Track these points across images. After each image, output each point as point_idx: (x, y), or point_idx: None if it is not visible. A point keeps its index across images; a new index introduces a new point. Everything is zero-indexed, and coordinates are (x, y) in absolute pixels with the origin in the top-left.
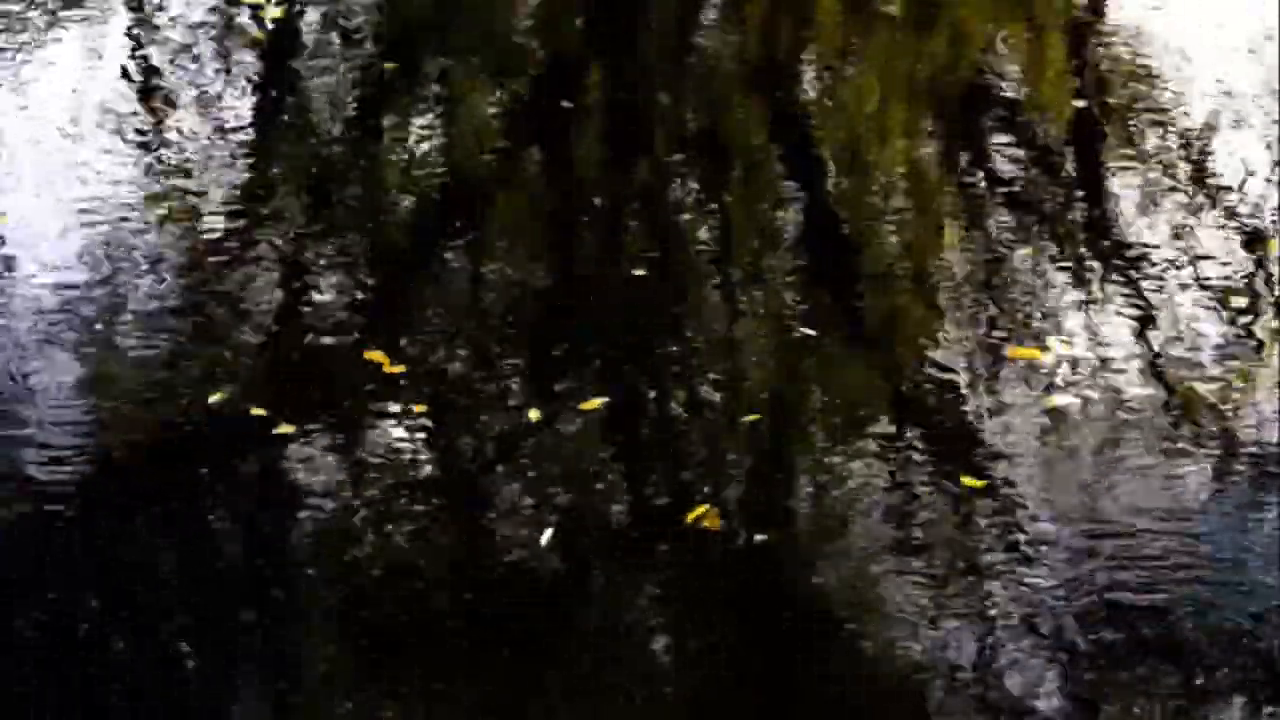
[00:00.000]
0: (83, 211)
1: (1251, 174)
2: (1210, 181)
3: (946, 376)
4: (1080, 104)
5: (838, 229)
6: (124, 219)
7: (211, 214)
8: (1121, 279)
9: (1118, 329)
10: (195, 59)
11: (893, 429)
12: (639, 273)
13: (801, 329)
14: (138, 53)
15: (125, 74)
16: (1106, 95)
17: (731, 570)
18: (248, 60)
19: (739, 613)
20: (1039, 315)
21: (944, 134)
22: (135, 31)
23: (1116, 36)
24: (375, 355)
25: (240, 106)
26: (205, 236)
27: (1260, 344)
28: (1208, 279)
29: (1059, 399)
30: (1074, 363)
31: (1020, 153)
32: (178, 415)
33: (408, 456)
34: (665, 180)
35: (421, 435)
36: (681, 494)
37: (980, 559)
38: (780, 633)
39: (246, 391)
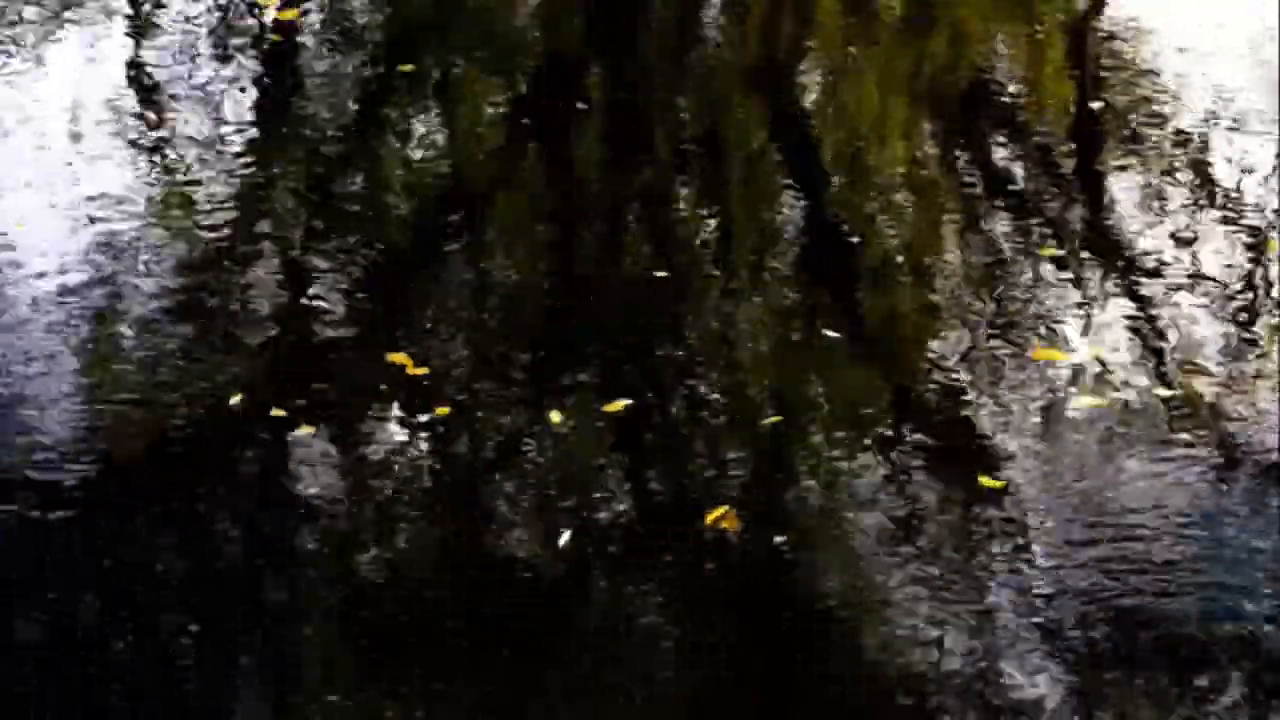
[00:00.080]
0: (83, 212)
1: (1251, 174)
2: (1210, 181)
3: (946, 376)
4: (1080, 104)
5: (838, 229)
6: (125, 219)
7: (212, 215)
8: (1121, 279)
9: (1117, 329)
10: (195, 59)
11: (893, 429)
12: (661, 274)
13: (824, 330)
14: (138, 53)
15: (126, 74)
16: (1106, 95)
17: (732, 570)
18: (248, 60)
19: (739, 613)
20: (1039, 315)
21: (944, 134)
22: (135, 31)
23: (1116, 36)
24: (398, 358)
25: (240, 107)
26: (207, 237)
27: (1260, 344)
28: (1208, 278)
29: (1060, 399)
30: (1074, 363)
31: (1020, 152)
32: (178, 415)
33: (410, 457)
34: (665, 180)
35: (427, 436)
36: (683, 495)
37: (981, 559)
38: (780, 633)
39: (249, 391)
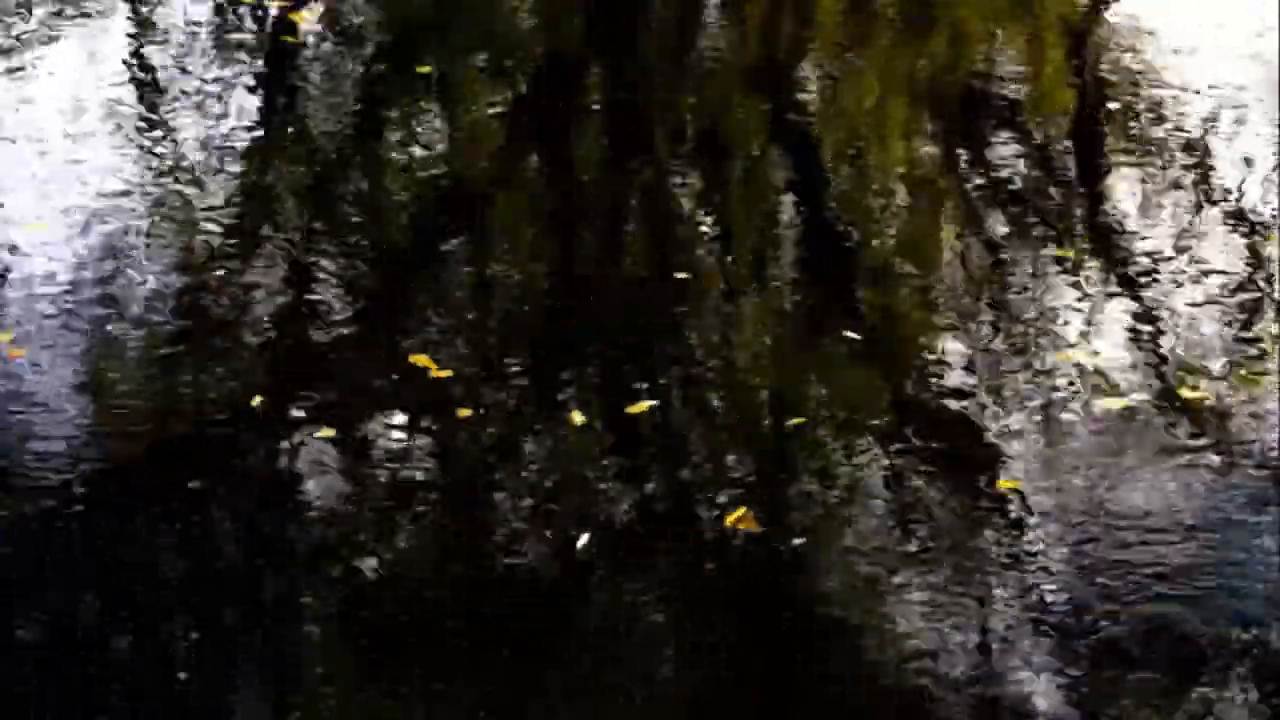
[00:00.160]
0: (84, 211)
1: (1251, 173)
2: (1210, 181)
3: (946, 376)
4: (1080, 104)
5: (838, 228)
6: (125, 219)
7: (212, 214)
8: (1121, 279)
9: (1117, 329)
10: (195, 59)
11: (894, 429)
12: (682, 276)
13: (844, 332)
14: (138, 52)
15: (126, 74)
16: (1106, 95)
17: (732, 570)
18: (248, 60)
19: (739, 613)
20: (1037, 315)
21: (944, 134)
22: (135, 31)
23: (1116, 36)
24: (421, 359)
25: (241, 106)
26: (206, 237)
27: (1261, 344)
28: (1208, 278)
29: (1061, 400)
30: (1074, 363)
31: (1020, 152)
32: (179, 415)
33: (411, 457)
34: (665, 180)
35: (424, 436)
36: (684, 495)
37: (981, 559)
38: (780, 633)
39: (249, 390)
